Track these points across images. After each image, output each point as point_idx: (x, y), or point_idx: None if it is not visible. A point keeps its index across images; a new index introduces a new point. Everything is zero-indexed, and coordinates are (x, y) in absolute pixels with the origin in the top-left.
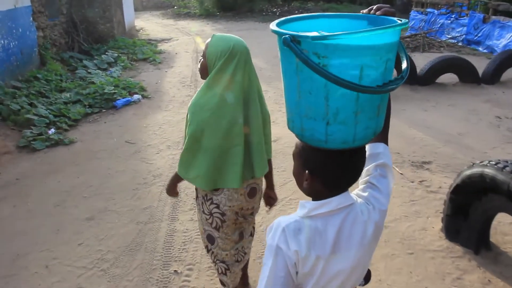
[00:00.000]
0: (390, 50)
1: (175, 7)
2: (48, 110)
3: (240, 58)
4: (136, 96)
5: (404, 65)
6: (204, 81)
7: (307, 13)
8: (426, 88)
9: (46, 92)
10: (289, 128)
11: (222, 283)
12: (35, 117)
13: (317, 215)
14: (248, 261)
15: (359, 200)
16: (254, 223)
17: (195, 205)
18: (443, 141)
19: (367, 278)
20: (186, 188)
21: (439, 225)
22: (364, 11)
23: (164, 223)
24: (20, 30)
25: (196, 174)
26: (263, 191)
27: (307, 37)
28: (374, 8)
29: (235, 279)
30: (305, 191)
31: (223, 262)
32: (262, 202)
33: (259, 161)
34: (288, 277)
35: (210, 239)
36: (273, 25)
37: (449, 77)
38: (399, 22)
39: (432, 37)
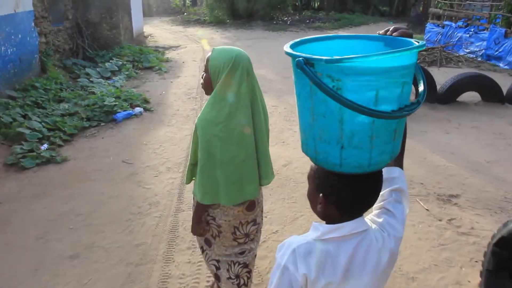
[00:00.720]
0: (406, 73)
1: (185, 14)
2: (43, 123)
3: (243, 68)
4: (137, 109)
5: (421, 88)
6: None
7: (318, 22)
8: (446, 107)
9: (42, 103)
10: (303, 151)
11: (216, 277)
12: (28, 131)
13: (330, 239)
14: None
15: (374, 226)
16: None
17: (193, 240)
18: (470, 170)
19: None
20: (185, 222)
21: (476, 278)
22: (381, 32)
23: (157, 265)
24: (20, 36)
25: (215, 191)
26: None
27: (320, 59)
28: (390, 29)
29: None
30: (319, 214)
31: (217, 261)
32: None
33: (265, 170)
34: None
35: (207, 242)
36: (287, 47)
37: (470, 95)
38: (416, 44)
39: (450, 51)
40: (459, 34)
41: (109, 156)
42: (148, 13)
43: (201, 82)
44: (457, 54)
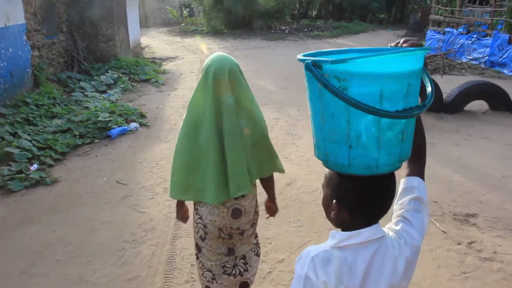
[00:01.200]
0: (411, 74)
1: (183, 24)
2: (33, 141)
3: (214, 76)
4: (133, 125)
5: (428, 89)
6: None
7: (317, 30)
8: (454, 117)
9: (34, 119)
10: (315, 155)
11: None
12: (17, 151)
13: (347, 246)
14: (250, 280)
15: (391, 233)
16: (258, 242)
17: (192, 272)
18: (486, 185)
19: None
20: (183, 250)
21: None
22: (392, 44)
23: None
24: (11, 50)
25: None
26: (253, 214)
27: (327, 61)
28: (401, 41)
29: None
30: (333, 221)
31: (209, 271)
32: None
33: (233, 180)
34: None
35: (197, 247)
36: (300, 55)
37: (477, 104)
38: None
39: (452, 58)
40: (461, 41)
41: (103, 176)
42: (145, 24)
43: None
44: (460, 61)
